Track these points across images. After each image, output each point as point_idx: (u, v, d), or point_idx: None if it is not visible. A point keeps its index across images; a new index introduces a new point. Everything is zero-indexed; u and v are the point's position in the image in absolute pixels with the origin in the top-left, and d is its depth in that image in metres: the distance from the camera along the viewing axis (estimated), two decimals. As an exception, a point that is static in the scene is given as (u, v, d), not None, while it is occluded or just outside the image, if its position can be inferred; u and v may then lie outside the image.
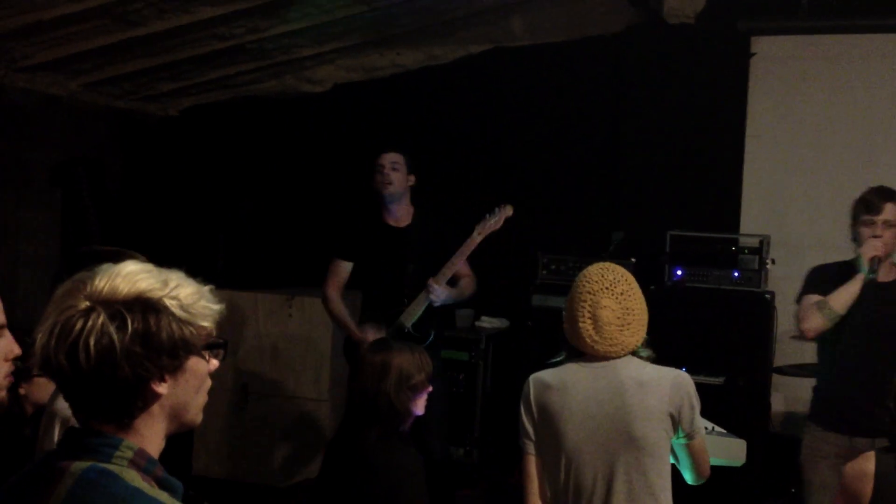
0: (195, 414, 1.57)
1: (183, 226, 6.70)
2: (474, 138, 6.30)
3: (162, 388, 1.49)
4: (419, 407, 3.03)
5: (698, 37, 5.60)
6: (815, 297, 3.69)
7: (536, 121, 6.10)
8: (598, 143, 6.02)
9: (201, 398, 1.57)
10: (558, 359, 2.80)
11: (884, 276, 3.68)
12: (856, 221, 3.72)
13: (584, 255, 5.49)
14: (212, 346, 1.56)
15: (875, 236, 3.61)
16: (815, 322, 3.66)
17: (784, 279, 5.38)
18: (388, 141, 4.82)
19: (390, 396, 2.95)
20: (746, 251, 5.12)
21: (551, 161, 6.08)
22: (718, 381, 4.59)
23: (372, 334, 4.37)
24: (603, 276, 2.71)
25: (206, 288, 1.57)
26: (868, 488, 2.27)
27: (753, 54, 5.57)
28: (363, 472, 2.93)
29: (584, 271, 2.78)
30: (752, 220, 5.53)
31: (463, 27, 6.01)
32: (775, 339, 5.14)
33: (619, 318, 2.66)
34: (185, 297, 1.51)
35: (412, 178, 4.66)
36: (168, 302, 1.49)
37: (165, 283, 1.51)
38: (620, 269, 2.78)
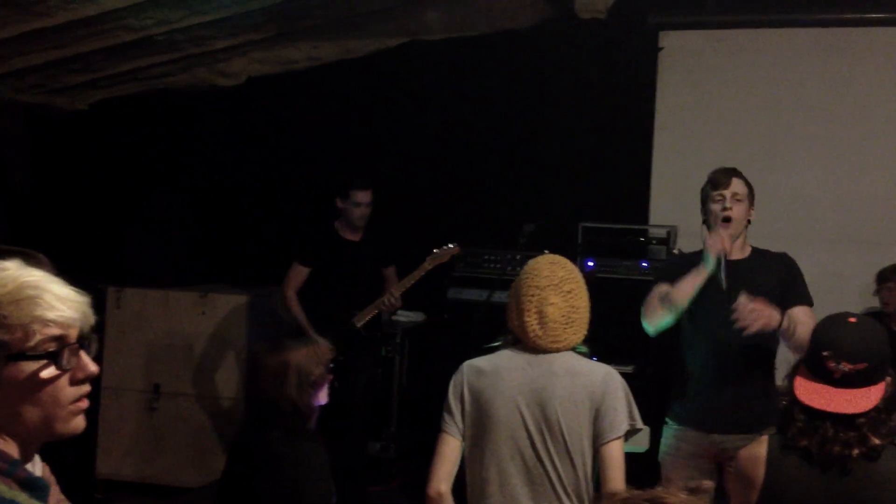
0: (40, 423, 1.45)
1: (91, 222, 6.54)
2: (390, 131, 6.29)
3: None
4: (322, 399, 3.00)
5: (609, 31, 5.69)
6: (663, 288, 3.51)
7: (451, 114, 6.13)
8: (513, 135, 6.08)
9: (49, 408, 1.44)
10: (496, 343, 2.81)
11: (738, 253, 3.53)
12: (705, 203, 3.59)
13: (499, 248, 5.55)
14: (30, 356, 1.41)
15: (725, 209, 3.46)
16: (657, 315, 3.48)
17: (691, 269, 5.50)
18: (363, 176, 5.01)
19: (293, 398, 2.90)
20: (655, 242, 5.22)
21: (466, 154, 6.11)
22: (628, 369, 4.66)
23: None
24: (553, 273, 2.72)
25: (66, 292, 1.45)
26: (760, 472, 2.31)
27: (661, 49, 5.67)
28: (268, 470, 2.89)
29: (534, 265, 2.77)
30: (661, 212, 5.63)
31: (379, 20, 5.99)
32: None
33: (564, 315, 2.69)
34: (5, 301, 1.40)
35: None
36: None
37: None
38: (570, 266, 2.79)
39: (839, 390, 2.22)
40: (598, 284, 5.05)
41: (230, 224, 6.33)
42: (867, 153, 5.55)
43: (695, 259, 3.55)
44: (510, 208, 5.94)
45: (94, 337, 1.52)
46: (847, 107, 5.53)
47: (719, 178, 3.55)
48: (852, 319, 2.33)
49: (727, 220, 3.47)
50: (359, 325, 4.91)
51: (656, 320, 3.50)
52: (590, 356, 2.80)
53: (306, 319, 4.93)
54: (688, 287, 3.43)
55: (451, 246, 4.91)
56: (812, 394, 2.25)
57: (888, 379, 2.27)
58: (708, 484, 1.51)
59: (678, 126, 5.71)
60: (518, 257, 5.04)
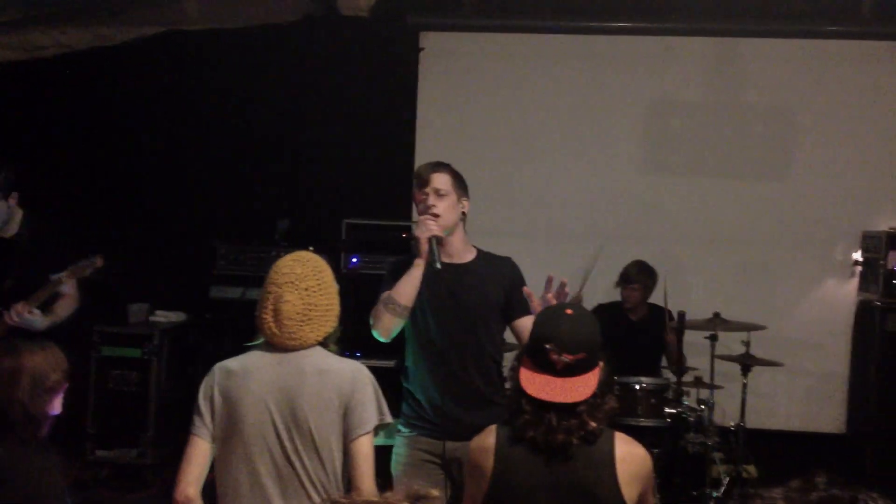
0: None
1: None
2: (147, 123, 6.06)
3: None
4: (56, 407, 2.84)
5: (371, 30, 5.76)
6: (388, 292, 3.29)
7: (211, 108, 5.99)
8: (277, 131, 6.03)
9: None
10: (256, 342, 2.76)
11: (460, 256, 3.40)
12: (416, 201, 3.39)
13: (261, 245, 5.49)
14: None
15: (428, 206, 3.29)
16: (385, 321, 3.25)
17: (451, 264, 5.69)
18: None
19: (24, 403, 2.73)
20: (417, 238, 5.33)
21: (227, 149, 6.00)
22: (390, 364, 4.75)
23: None
24: (292, 270, 2.69)
25: None
26: (489, 461, 2.40)
27: (422, 49, 5.82)
28: (-1, 486, 2.69)
29: (278, 262, 2.75)
30: (424, 209, 5.77)
31: (134, 7, 5.74)
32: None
33: (299, 313, 2.66)
34: None
35: (15, 196, 4.19)
36: None
37: None
38: (314, 263, 2.75)
39: (562, 380, 2.36)
40: (364, 280, 5.15)
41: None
42: (613, 154, 5.96)
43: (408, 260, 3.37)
44: (273, 205, 5.89)
45: None
46: (594, 109, 5.93)
47: (418, 175, 3.39)
48: (569, 311, 2.47)
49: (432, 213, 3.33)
50: None
51: (384, 326, 3.27)
52: (340, 354, 2.81)
53: None
54: (406, 285, 3.26)
55: (93, 259, 4.20)
56: (537, 385, 2.37)
57: (601, 364, 2.44)
58: (434, 493, 1.52)
59: (439, 124, 5.89)
60: (281, 254, 4.99)
